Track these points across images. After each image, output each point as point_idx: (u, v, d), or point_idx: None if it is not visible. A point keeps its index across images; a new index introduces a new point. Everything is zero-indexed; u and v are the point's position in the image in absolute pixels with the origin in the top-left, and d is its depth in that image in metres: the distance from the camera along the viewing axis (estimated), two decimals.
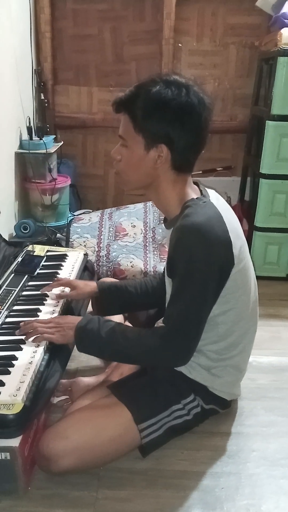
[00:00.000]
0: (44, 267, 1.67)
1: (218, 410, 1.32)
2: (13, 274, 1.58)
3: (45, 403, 1.12)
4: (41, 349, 1.18)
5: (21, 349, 1.18)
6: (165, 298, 1.27)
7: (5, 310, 1.37)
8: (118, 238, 2.21)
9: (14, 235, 2.30)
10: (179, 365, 1.20)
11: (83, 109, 2.81)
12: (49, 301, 1.42)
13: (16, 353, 1.16)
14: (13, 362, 1.13)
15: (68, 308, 1.43)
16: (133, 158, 1.14)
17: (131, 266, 2.09)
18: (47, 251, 1.79)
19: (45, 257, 1.73)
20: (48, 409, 1.32)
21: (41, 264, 1.67)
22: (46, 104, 2.68)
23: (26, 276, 1.58)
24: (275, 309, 2.02)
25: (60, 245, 2.20)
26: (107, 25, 2.68)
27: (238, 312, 1.21)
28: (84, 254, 1.80)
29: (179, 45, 2.68)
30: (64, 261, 1.71)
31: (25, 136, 2.37)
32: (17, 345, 1.20)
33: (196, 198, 1.16)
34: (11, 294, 1.46)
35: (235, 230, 1.16)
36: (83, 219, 2.31)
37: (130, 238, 2.22)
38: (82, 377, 1.46)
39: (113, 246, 2.16)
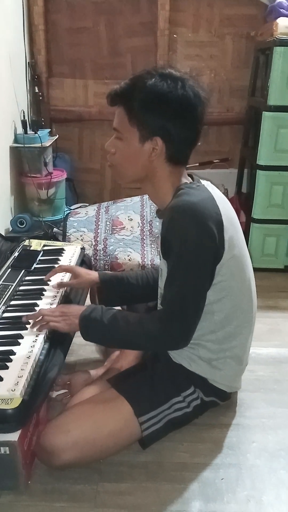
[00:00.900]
0: (41, 261, 1.66)
1: (218, 402, 1.32)
2: (10, 269, 1.57)
3: (44, 397, 1.12)
4: (40, 340, 1.17)
5: (19, 343, 1.17)
6: (160, 283, 1.27)
7: (2, 305, 1.36)
8: (115, 231, 2.20)
9: (10, 230, 2.28)
10: (179, 347, 1.19)
11: (78, 102, 2.79)
12: (46, 294, 1.42)
13: (14, 348, 1.15)
14: (11, 356, 1.12)
15: (67, 300, 1.43)
16: (127, 151, 1.13)
17: (129, 259, 2.09)
18: (44, 245, 1.78)
19: (42, 252, 1.72)
20: (47, 403, 1.32)
21: (38, 259, 1.66)
22: (41, 98, 2.66)
23: (23, 271, 1.56)
24: (274, 301, 2.02)
25: (57, 240, 2.18)
26: (102, 17, 2.65)
27: (234, 302, 1.21)
28: (81, 248, 1.79)
29: (175, 36, 2.66)
30: (61, 256, 1.70)
31: (20, 130, 2.35)
32: (15, 340, 1.19)
33: (189, 182, 1.16)
34: (8, 289, 1.44)
35: (229, 215, 1.16)
36: (79, 213, 2.30)
37: (127, 232, 2.21)
38: (82, 370, 1.45)
39: (110, 239, 2.16)
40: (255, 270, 1.31)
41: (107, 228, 2.21)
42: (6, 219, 2.27)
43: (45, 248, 1.76)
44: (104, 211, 2.30)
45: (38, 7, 2.57)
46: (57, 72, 2.75)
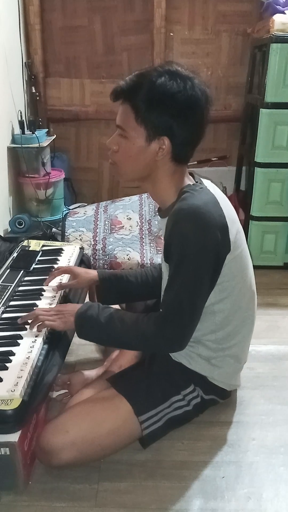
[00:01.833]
0: (40, 262, 1.66)
1: (218, 400, 1.32)
2: (8, 270, 1.57)
3: (44, 397, 1.12)
4: (39, 341, 1.18)
5: (18, 344, 1.18)
6: (162, 286, 1.27)
7: (1, 306, 1.36)
8: (114, 231, 2.20)
9: (9, 231, 2.29)
10: (174, 350, 1.20)
11: (75, 101, 2.78)
12: (45, 295, 1.42)
13: (14, 349, 1.16)
14: (11, 357, 1.12)
15: (66, 301, 1.43)
16: (132, 150, 1.12)
17: (128, 259, 2.09)
18: (43, 245, 1.78)
19: (40, 252, 1.72)
20: (47, 403, 1.32)
21: (36, 259, 1.66)
22: (38, 98, 2.66)
23: (22, 271, 1.57)
24: (273, 298, 2.02)
25: (56, 240, 2.19)
26: (97, 16, 2.65)
27: (235, 301, 1.21)
28: (80, 248, 1.79)
29: (171, 34, 2.66)
30: (60, 256, 1.70)
31: (17, 131, 2.35)
32: (14, 341, 1.19)
33: (193, 184, 1.16)
34: (7, 290, 1.45)
35: (231, 216, 1.15)
36: (78, 212, 2.30)
37: (126, 231, 2.21)
38: (81, 370, 1.45)
39: (109, 239, 2.16)
40: (254, 267, 1.31)
41: (106, 227, 2.21)
42: (5, 219, 2.28)
43: (44, 248, 1.76)
44: (103, 210, 2.30)
45: (34, 6, 2.57)
46: (54, 71, 2.75)
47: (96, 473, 1.16)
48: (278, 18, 2.08)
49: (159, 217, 1.26)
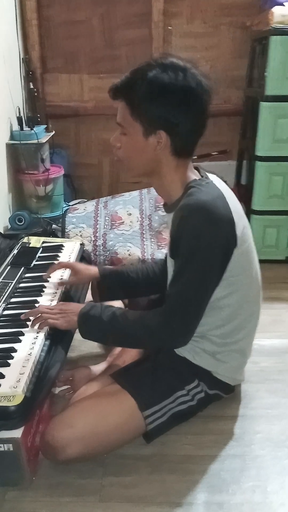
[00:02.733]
0: (40, 258, 1.65)
1: (222, 395, 1.31)
2: (9, 267, 1.57)
3: (47, 393, 1.12)
4: (41, 337, 1.17)
5: (20, 341, 1.17)
6: (167, 282, 1.26)
7: (2, 303, 1.35)
8: (114, 227, 2.19)
9: (9, 228, 2.27)
10: (178, 345, 1.19)
11: (74, 97, 2.77)
12: (46, 291, 1.41)
13: (15, 345, 1.15)
14: (12, 354, 1.12)
15: (67, 297, 1.42)
16: (132, 145, 1.12)
17: (129, 254, 2.08)
18: (43, 242, 1.78)
19: (41, 249, 1.71)
20: (50, 399, 1.32)
21: (37, 256, 1.66)
22: (36, 94, 2.64)
23: (23, 268, 1.56)
24: (276, 292, 2.01)
25: (56, 236, 2.18)
26: (96, 10, 2.63)
27: (242, 296, 1.20)
28: (81, 244, 1.78)
29: (169, 28, 2.64)
30: (61, 252, 1.69)
31: (16, 127, 2.33)
32: (15, 337, 1.18)
33: (199, 179, 1.15)
34: (8, 287, 1.44)
35: (238, 211, 1.15)
36: (78, 209, 2.29)
37: (127, 227, 2.20)
38: (84, 366, 1.45)
39: (109, 235, 2.15)
40: None
41: (106, 223, 2.20)
42: (5, 216, 2.27)
43: (44, 245, 1.75)
44: (103, 206, 2.29)
45: (31, 2, 2.55)
46: (52, 67, 2.73)
47: (101, 468, 1.16)
48: (277, 11, 2.06)
49: (165, 212, 1.25)
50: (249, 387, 1.43)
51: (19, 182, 2.41)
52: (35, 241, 1.78)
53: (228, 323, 1.21)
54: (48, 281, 1.46)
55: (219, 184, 1.16)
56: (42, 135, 2.37)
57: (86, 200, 2.56)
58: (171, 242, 1.15)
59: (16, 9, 2.42)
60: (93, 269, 1.44)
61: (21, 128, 2.31)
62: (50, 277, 1.46)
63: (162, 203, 1.26)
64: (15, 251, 1.68)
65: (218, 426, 1.29)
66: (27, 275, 1.53)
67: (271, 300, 1.92)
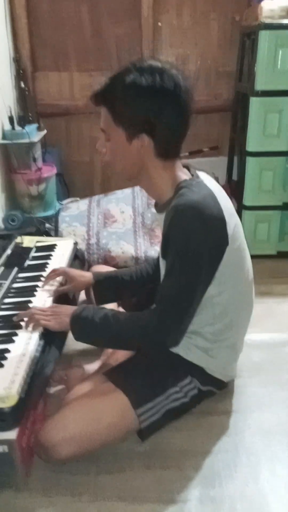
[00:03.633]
0: (34, 258, 1.66)
1: (215, 391, 1.33)
2: (2, 267, 1.58)
3: (41, 393, 1.13)
4: (35, 337, 1.18)
5: (13, 341, 1.18)
6: (160, 282, 1.27)
7: None
8: (107, 225, 2.20)
9: (2, 228, 2.28)
10: (171, 346, 1.19)
11: (64, 95, 2.76)
12: (40, 292, 1.42)
13: (9, 346, 1.16)
14: (6, 355, 1.13)
15: (61, 297, 1.43)
16: (117, 150, 1.13)
17: (122, 252, 2.09)
18: (36, 242, 1.78)
19: (34, 248, 1.72)
20: (45, 399, 1.33)
21: (30, 256, 1.67)
22: (27, 92, 2.63)
23: (16, 268, 1.57)
24: (267, 287, 2.02)
25: (50, 235, 2.18)
26: (85, 4, 2.61)
27: (234, 293, 1.21)
28: (74, 243, 1.79)
29: (159, 24, 2.63)
30: (54, 251, 1.70)
31: (7, 126, 2.33)
32: (9, 338, 1.20)
33: (189, 179, 1.15)
34: (1, 288, 1.45)
35: (229, 209, 1.16)
36: (71, 207, 2.30)
37: (120, 225, 2.21)
38: (78, 365, 1.46)
39: (102, 233, 2.16)
40: None
41: (99, 221, 2.21)
42: None
43: (38, 244, 1.76)
44: (96, 204, 2.30)
45: None
46: (42, 65, 2.72)
47: (95, 465, 1.17)
48: (266, 5, 2.06)
49: (156, 212, 1.26)
50: (241, 381, 1.45)
51: (11, 181, 2.42)
52: (28, 241, 1.78)
53: (221, 320, 1.23)
54: (41, 280, 1.47)
55: (210, 183, 1.17)
56: (33, 134, 2.37)
57: (79, 199, 2.57)
58: (162, 243, 1.16)
59: (5, 7, 2.41)
60: (87, 275, 1.45)
61: (13, 128, 2.31)
62: (38, 286, 1.46)
63: (154, 202, 1.27)
64: (8, 252, 1.68)
65: (211, 421, 1.31)
66: (20, 275, 1.54)
67: (262, 295, 1.93)
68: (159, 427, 1.22)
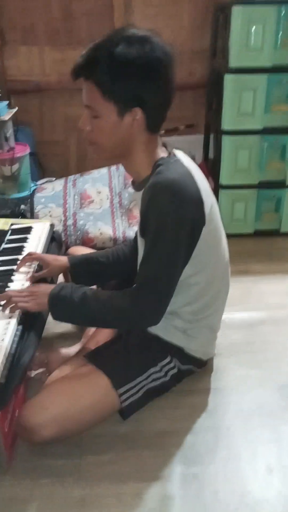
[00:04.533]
0: (9, 241, 1.62)
1: (195, 369, 1.35)
2: None
3: (21, 378, 1.12)
4: (14, 322, 1.17)
5: None
6: (137, 262, 1.26)
7: None
8: (84, 205, 2.17)
9: None
10: (150, 324, 1.19)
11: (35, 71, 2.66)
12: (17, 276, 1.40)
13: None
14: None
15: (39, 282, 1.41)
16: (106, 127, 1.08)
17: (100, 233, 2.07)
18: (11, 224, 1.74)
19: (9, 231, 1.68)
20: (26, 382, 1.32)
21: (6, 239, 1.63)
22: None
23: None
24: (245, 266, 2.05)
25: (25, 217, 2.14)
26: None
27: (210, 273, 1.22)
28: (50, 225, 1.76)
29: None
30: (30, 234, 1.67)
31: None
32: None
33: (167, 157, 1.14)
34: None
35: (206, 189, 1.15)
36: (46, 188, 2.25)
37: (97, 205, 2.19)
38: (58, 348, 1.46)
39: (79, 214, 2.13)
40: (225, 236, 1.32)
41: (76, 202, 2.17)
42: None
43: (13, 227, 1.72)
44: (72, 185, 2.25)
45: None
46: (10, 40, 2.60)
47: (78, 448, 1.18)
48: None
49: (133, 190, 1.24)
50: (220, 361, 1.47)
51: None
52: (3, 224, 1.74)
53: (198, 300, 1.23)
54: (17, 264, 1.44)
55: (187, 162, 1.16)
56: (4, 112, 2.28)
57: (54, 179, 2.51)
58: (140, 221, 1.15)
59: None
60: (63, 259, 1.42)
61: None
62: (14, 270, 1.42)
63: (131, 180, 1.25)
64: None
65: (192, 400, 1.33)
66: None
67: (240, 274, 1.96)
68: (140, 406, 1.24)
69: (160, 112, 1.10)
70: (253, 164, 2.23)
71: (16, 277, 1.39)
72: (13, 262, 1.47)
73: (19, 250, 1.54)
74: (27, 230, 1.70)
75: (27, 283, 1.35)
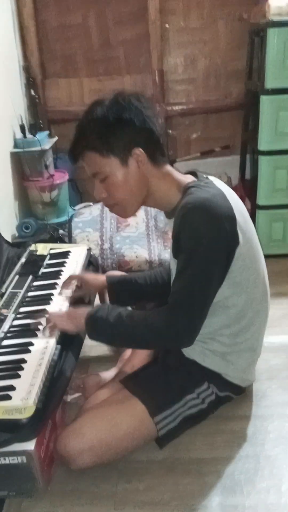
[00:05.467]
0: (48, 265, 1.67)
1: (233, 396, 1.32)
2: (17, 276, 1.59)
3: (58, 402, 1.13)
4: (51, 345, 1.19)
5: (29, 351, 1.19)
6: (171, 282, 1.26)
7: (12, 313, 1.38)
8: (120, 229, 2.19)
9: (16, 236, 2.30)
10: (184, 343, 1.16)
11: (74, 100, 2.77)
12: (55, 299, 1.43)
13: (25, 356, 1.17)
14: (23, 365, 1.14)
15: (77, 302, 1.43)
16: (118, 181, 1.12)
17: (136, 256, 2.08)
18: (50, 249, 1.79)
19: (48, 256, 1.73)
20: (62, 407, 1.33)
21: (45, 263, 1.67)
22: (37, 100, 2.65)
23: (31, 276, 1.58)
24: (284, 287, 1.99)
25: (63, 242, 2.19)
26: (91, 10, 2.62)
27: (249, 294, 1.20)
28: (88, 249, 1.79)
29: (166, 25, 2.62)
30: (68, 258, 1.71)
31: (19, 135, 2.35)
32: (25, 348, 1.20)
33: (198, 180, 1.15)
34: (16, 296, 1.46)
35: (240, 209, 1.15)
36: (84, 213, 2.30)
37: (133, 228, 2.21)
38: (95, 373, 1.46)
39: (116, 237, 2.15)
40: (264, 257, 1.29)
41: (112, 226, 2.21)
42: (12, 224, 2.29)
43: (52, 251, 1.77)
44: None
45: (27, 8, 2.55)
46: (51, 72, 2.73)
47: (115, 473, 1.17)
48: (274, 2, 2.03)
49: (166, 218, 1.26)
50: (260, 385, 1.43)
51: (24, 189, 2.44)
52: (42, 248, 1.79)
53: (236, 322, 1.21)
54: (56, 288, 1.47)
55: (219, 184, 1.17)
56: (45, 141, 2.38)
57: (91, 203, 2.57)
58: (173, 242, 1.16)
59: (13, 16, 2.43)
60: (102, 278, 1.45)
61: (24, 136, 2.33)
62: (53, 294, 1.46)
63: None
64: (23, 260, 1.69)
65: (230, 427, 1.29)
66: (35, 283, 1.55)
67: (280, 295, 1.91)
68: (177, 434, 1.22)
69: (157, 141, 1.14)
70: None
71: (55, 300, 1.42)
72: (51, 286, 1.51)
73: (57, 274, 1.58)
74: (65, 254, 1.74)
75: (66, 304, 1.38)
